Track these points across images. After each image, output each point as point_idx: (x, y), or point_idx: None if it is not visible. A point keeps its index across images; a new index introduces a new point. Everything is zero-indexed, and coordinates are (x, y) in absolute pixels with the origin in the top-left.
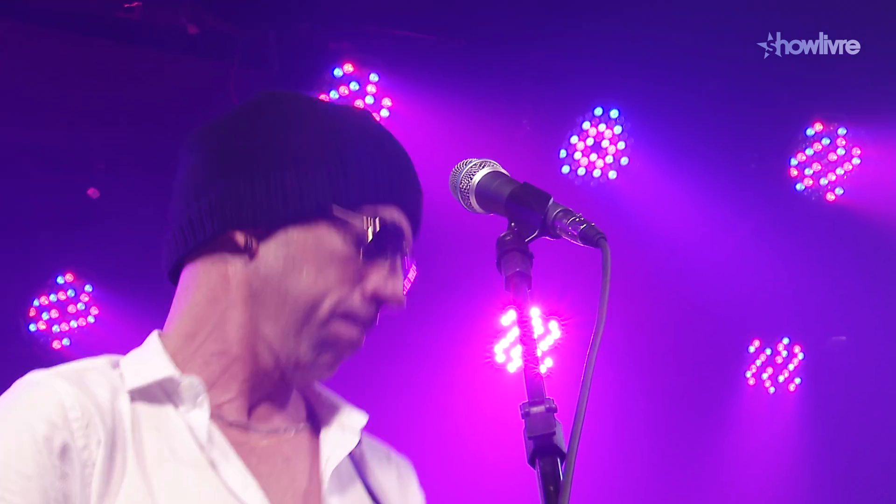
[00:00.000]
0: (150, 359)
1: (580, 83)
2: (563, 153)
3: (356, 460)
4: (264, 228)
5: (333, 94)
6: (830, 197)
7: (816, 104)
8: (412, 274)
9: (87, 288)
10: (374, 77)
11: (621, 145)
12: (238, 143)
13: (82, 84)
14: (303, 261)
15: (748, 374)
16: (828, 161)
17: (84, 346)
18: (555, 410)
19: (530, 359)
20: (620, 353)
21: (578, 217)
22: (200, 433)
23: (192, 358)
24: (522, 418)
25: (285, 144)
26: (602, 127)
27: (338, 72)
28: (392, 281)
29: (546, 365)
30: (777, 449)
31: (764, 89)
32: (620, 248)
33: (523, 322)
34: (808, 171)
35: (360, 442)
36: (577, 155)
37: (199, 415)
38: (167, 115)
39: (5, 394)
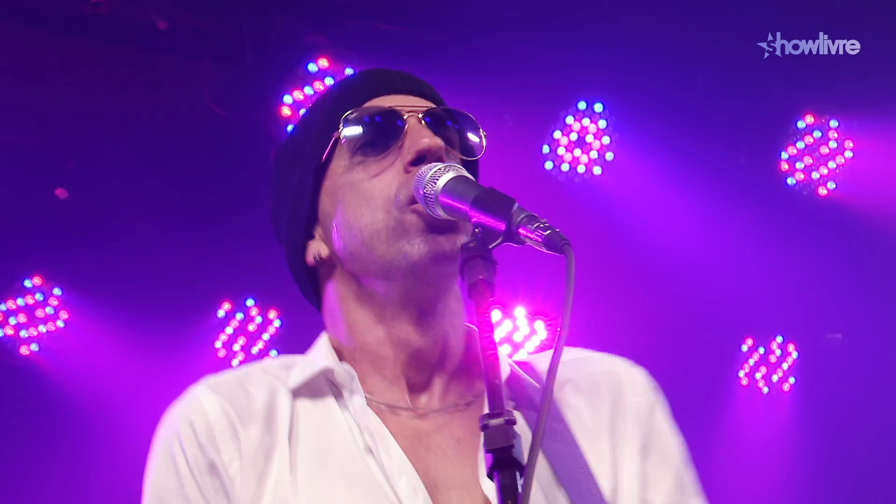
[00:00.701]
0: (317, 354)
1: (563, 76)
2: (546, 149)
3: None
4: (309, 229)
5: (308, 90)
6: (822, 191)
7: (807, 96)
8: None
9: (56, 291)
10: (348, 71)
11: (606, 140)
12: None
13: (48, 81)
14: (344, 214)
15: (741, 374)
16: (819, 154)
17: (53, 351)
18: (514, 422)
19: (491, 369)
20: (610, 352)
21: (543, 223)
22: (360, 419)
23: (351, 353)
24: (481, 430)
25: (276, 165)
26: (586, 121)
27: (312, 67)
28: (412, 141)
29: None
30: (771, 451)
31: (754, 81)
32: (606, 247)
33: (484, 332)
34: (799, 165)
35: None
36: (561, 150)
37: (357, 401)
38: (137, 113)
39: (168, 412)
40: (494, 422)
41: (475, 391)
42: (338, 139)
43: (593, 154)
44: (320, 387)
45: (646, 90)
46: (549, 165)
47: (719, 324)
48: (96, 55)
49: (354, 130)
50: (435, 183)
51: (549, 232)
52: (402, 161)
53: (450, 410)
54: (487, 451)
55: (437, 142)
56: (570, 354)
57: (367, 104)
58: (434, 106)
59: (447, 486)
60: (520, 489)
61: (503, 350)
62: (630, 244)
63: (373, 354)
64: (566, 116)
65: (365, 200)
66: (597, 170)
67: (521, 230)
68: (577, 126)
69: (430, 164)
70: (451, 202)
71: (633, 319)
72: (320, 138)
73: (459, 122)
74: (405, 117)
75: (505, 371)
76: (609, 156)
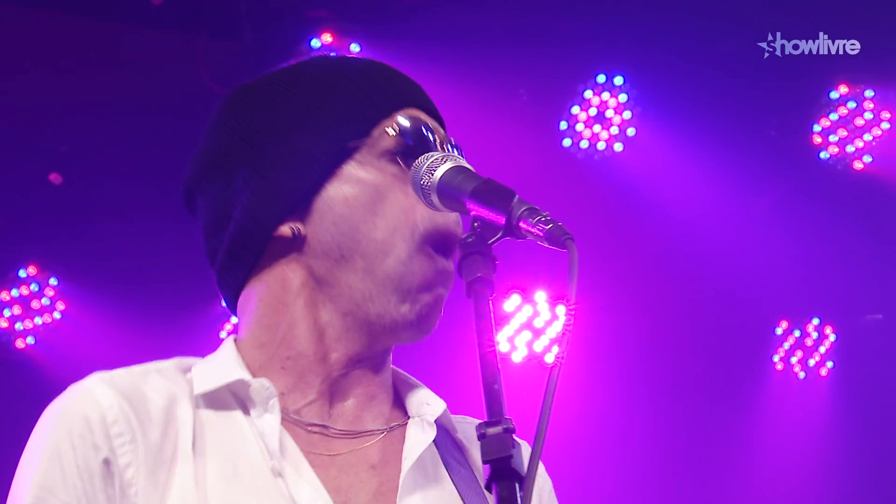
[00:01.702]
0: (223, 362)
1: (581, 48)
2: (563, 125)
3: (450, 452)
4: (300, 208)
5: None
6: (858, 165)
7: (841, 64)
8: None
9: (52, 281)
10: (355, 48)
11: (627, 115)
12: (231, 146)
13: (40, 61)
14: (353, 212)
15: (776, 359)
16: (854, 126)
17: (50, 344)
18: (513, 431)
19: (489, 373)
20: (636, 340)
21: (544, 216)
22: (271, 441)
23: (269, 364)
24: (479, 440)
25: (274, 119)
26: (606, 95)
27: (315, 42)
28: None
29: (553, 354)
30: (808, 439)
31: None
32: (629, 227)
33: (484, 333)
34: (832, 138)
35: (453, 431)
36: (580, 126)
37: (269, 420)
38: (133, 94)
39: (53, 403)
40: (492, 430)
41: (395, 420)
42: (380, 132)
43: (614, 130)
44: (224, 398)
45: (668, 61)
46: (567, 142)
47: (752, 306)
48: (87, 32)
49: (402, 133)
50: (432, 173)
51: (550, 226)
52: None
53: (368, 435)
54: (485, 462)
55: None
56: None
57: (406, 111)
58: (442, 128)
59: None
60: (519, 502)
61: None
62: (654, 224)
63: (303, 369)
64: (585, 90)
65: (382, 209)
66: (618, 146)
67: (521, 224)
68: (596, 100)
69: (426, 154)
70: (448, 193)
71: (660, 304)
72: (353, 119)
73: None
74: (438, 142)
75: (439, 405)
76: (630, 131)
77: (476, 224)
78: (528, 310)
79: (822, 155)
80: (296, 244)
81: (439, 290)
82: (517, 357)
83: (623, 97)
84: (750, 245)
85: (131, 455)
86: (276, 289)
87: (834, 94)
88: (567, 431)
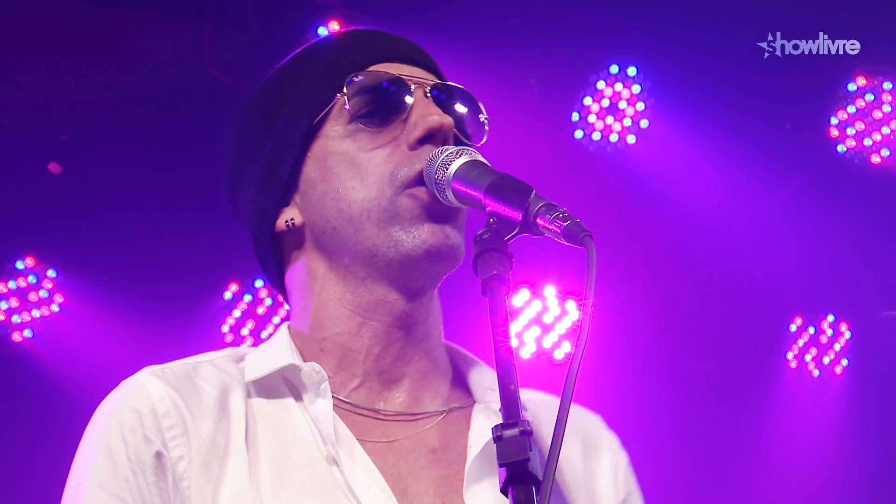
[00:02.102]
0: (276, 349)
1: (594, 36)
2: (575, 116)
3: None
4: (285, 195)
5: None
6: (876, 159)
7: (859, 55)
8: (460, 108)
9: (50, 273)
10: None
11: (640, 106)
12: (234, 159)
13: (41, 47)
14: (331, 185)
15: (789, 356)
16: (872, 119)
17: (48, 337)
18: (530, 433)
19: (505, 373)
20: (647, 335)
21: (562, 212)
22: (325, 426)
23: (309, 349)
24: (494, 442)
25: (257, 120)
26: (619, 86)
27: (322, 31)
28: (420, 117)
29: (563, 350)
30: (822, 439)
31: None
32: (641, 221)
33: (499, 332)
34: (850, 131)
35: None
36: (592, 118)
37: (322, 405)
38: (136, 81)
39: (105, 400)
40: (509, 432)
41: (456, 401)
42: (338, 101)
43: (627, 122)
44: (277, 385)
45: (683, 52)
46: (578, 134)
47: (765, 302)
48: (88, 18)
49: (358, 95)
50: (447, 168)
51: (568, 222)
52: (407, 137)
53: (426, 417)
54: (501, 465)
55: (448, 120)
56: (538, 395)
57: (372, 68)
58: (440, 81)
59: (420, 497)
60: None
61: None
62: (667, 218)
63: (342, 347)
64: (597, 81)
65: (358, 173)
66: (630, 138)
67: (538, 220)
68: (608, 91)
69: (441, 147)
70: (463, 189)
71: (673, 300)
72: (315, 96)
73: (465, 102)
74: (412, 89)
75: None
76: (644, 123)
77: (492, 220)
78: (536, 305)
79: (839, 148)
80: (299, 233)
81: (435, 229)
82: (525, 353)
83: (636, 88)
84: (764, 240)
85: (184, 448)
86: (300, 277)
87: (851, 87)
88: None
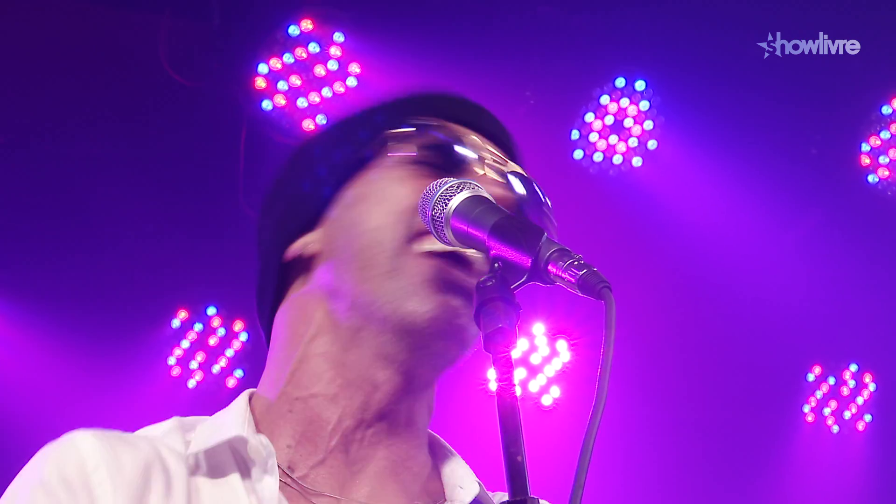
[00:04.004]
0: (227, 419)
1: (598, 45)
2: (575, 134)
3: None
4: (312, 219)
5: (287, 58)
6: None
7: (894, 75)
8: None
9: None
10: (338, 37)
11: (648, 125)
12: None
13: None
14: (356, 210)
15: (806, 409)
16: None
17: None
18: None
19: (511, 441)
20: (649, 382)
21: (577, 260)
22: None
23: (276, 406)
24: None
25: (317, 142)
26: (625, 102)
27: (294, 30)
28: (480, 180)
29: (552, 395)
30: (842, 501)
31: (829, 57)
32: (646, 254)
33: (505, 394)
34: (883, 160)
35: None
36: (594, 136)
37: (269, 484)
38: (80, 81)
39: (36, 456)
40: None
41: (424, 499)
42: (390, 138)
43: (633, 142)
44: (224, 460)
45: (698, 64)
46: (578, 154)
47: (781, 348)
48: (38, 9)
49: (420, 135)
50: (446, 203)
51: (584, 272)
52: None
53: None
54: None
55: (515, 196)
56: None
57: (441, 122)
58: (510, 162)
59: None
60: None
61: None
62: (675, 251)
63: (312, 413)
64: (601, 95)
65: (383, 199)
66: (636, 161)
67: (550, 267)
68: (613, 107)
69: (440, 180)
70: (465, 228)
71: (678, 343)
72: (378, 127)
73: (529, 190)
74: (478, 152)
75: (472, 489)
76: (652, 144)
77: (497, 265)
78: (523, 343)
79: (871, 178)
80: (308, 265)
81: (445, 297)
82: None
83: (644, 105)
84: (782, 278)
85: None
86: (293, 318)
87: (886, 109)
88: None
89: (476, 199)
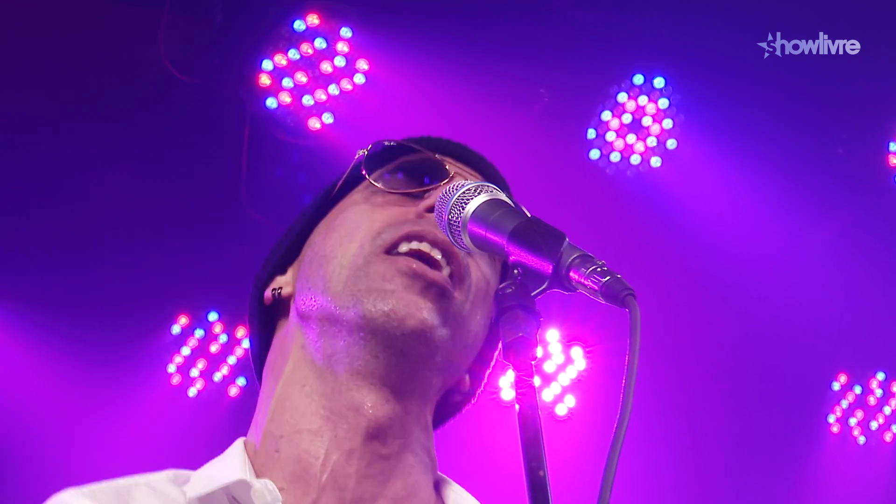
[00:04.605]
0: (225, 463)
1: (616, 41)
2: (591, 133)
3: None
4: (285, 261)
5: (293, 54)
6: None
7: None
8: None
9: None
10: (346, 32)
11: (668, 124)
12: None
13: None
14: (329, 238)
15: (831, 419)
16: None
17: None
18: None
19: (533, 456)
20: (670, 390)
21: (600, 266)
22: None
23: (263, 451)
24: None
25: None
26: (643, 99)
27: (299, 25)
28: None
29: (566, 405)
30: None
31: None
32: (665, 257)
33: (527, 407)
34: None
35: None
36: (611, 136)
37: None
38: (76, 77)
39: None
40: None
41: None
42: (360, 165)
43: (651, 141)
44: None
45: (718, 61)
46: (594, 154)
47: (805, 355)
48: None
49: (384, 155)
50: (462, 207)
51: (608, 278)
52: (421, 204)
53: None
54: None
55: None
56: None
57: (411, 154)
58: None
59: None
60: None
61: None
62: (695, 255)
63: (299, 451)
64: (618, 93)
65: (350, 231)
66: (655, 161)
67: (572, 274)
68: (631, 105)
69: (456, 183)
70: (483, 233)
71: (699, 350)
72: (342, 173)
73: None
74: (452, 173)
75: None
76: (671, 143)
77: (516, 271)
78: (537, 351)
79: None
80: (286, 307)
81: (405, 292)
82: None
83: (664, 102)
84: (807, 282)
85: None
86: (273, 359)
87: None
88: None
89: (494, 203)
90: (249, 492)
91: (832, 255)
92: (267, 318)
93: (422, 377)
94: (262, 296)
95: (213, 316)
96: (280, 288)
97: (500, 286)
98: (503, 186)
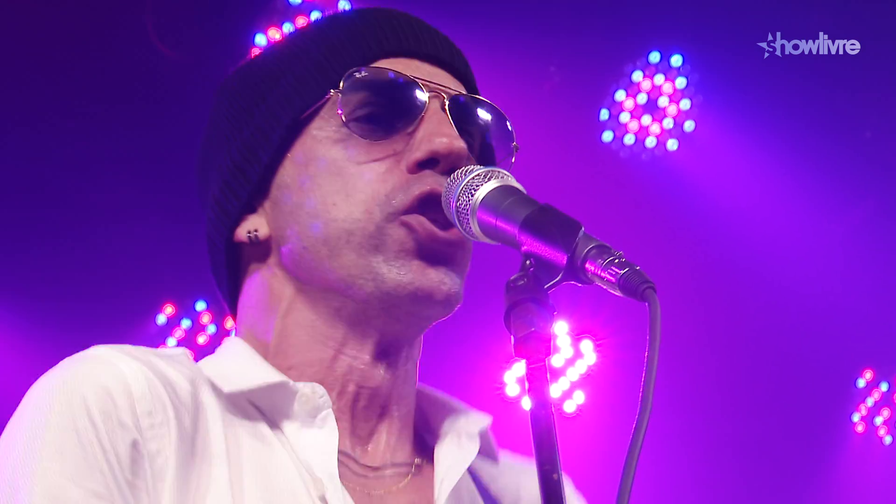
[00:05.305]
0: (245, 361)
1: (630, 17)
2: (604, 114)
3: (485, 485)
4: (252, 199)
5: (288, 28)
6: None
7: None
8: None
9: None
10: (343, 4)
11: (685, 104)
12: (204, 151)
13: None
14: (309, 196)
15: (855, 418)
16: None
17: None
18: None
19: (546, 457)
20: (687, 387)
21: (617, 257)
22: (324, 464)
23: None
24: None
25: (228, 97)
26: (659, 79)
27: None
28: (428, 135)
29: (575, 402)
30: None
31: (883, 27)
32: (682, 246)
33: (540, 404)
34: None
35: (489, 455)
36: (625, 117)
37: (321, 438)
38: (57, 54)
39: (54, 372)
40: None
41: (423, 452)
42: (331, 98)
43: (668, 123)
44: (243, 405)
45: (738, 38)
46: (608, 137)
47: (828, 350)
48: None
49: (358, 94)
50: (472, 193)
51: (626, 270)
52: (409, 157)
53: (399, 471)
54: None
55: (459, 146)
56: (512, 461)
57: (380, 63)
58: (463, 91)
59: None
60: None
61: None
62: (714, 243)
63: (312, 379)
64: (632, 71)
65: (344, 187)
66: (672, 143)
67: (588, 266)
68: (646, 85)
69: (465, 168)
70: (493, 221)
71: (718, 343)
72: (306, 86)
73: (493, 124)
74: (427, 98)
75: (482, 420)
76: (689, 125)
77: (528, 262)
78: None
79: None
80: (263, 246)
81: (429, 272)
82: (528, 403)
83: (681, 82)
84: (831, 273)
85: (163, 440)
86: (260, 296)
87: None
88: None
89: (505, 190)
90: (293, 397)
91: (857, 244)
92: (236, 255)
93: (428, 326)
94: (230, 232)
95: (200, 305)
96: (256, 230)
97: (512, 278)
98: (470, 80)
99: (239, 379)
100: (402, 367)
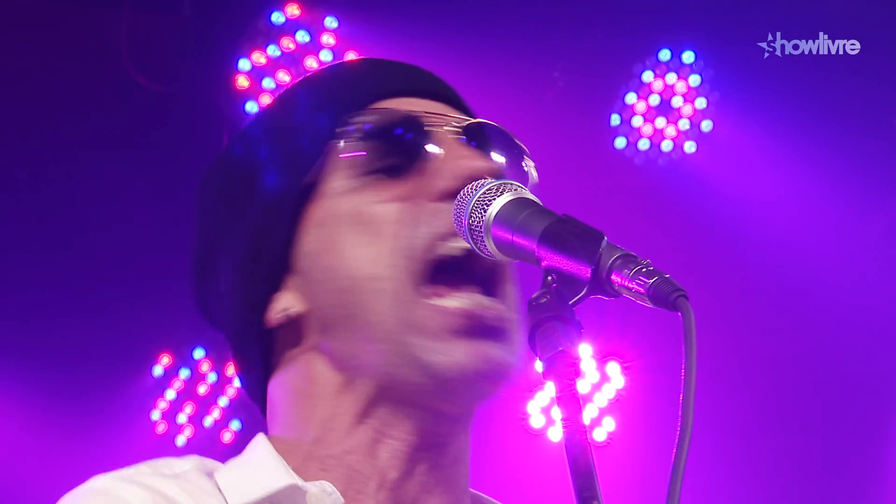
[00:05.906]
0: (261, 465)
1: (639, 14)
2: (615, 119)
3: None
4: (276, 278)
5: (273, 50)
6: None
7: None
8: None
9: None
10: (331, 22)
11: (701, 103)
12: (203, 237)
13: None
14: (336, 256)
15: None
16: None
17: None
18: None
19: (585, 487)
20: (720, 403)
21: (645, 266)
22: None
23: (314, 468)
24: None
25: (219, 182)
26: (672, 78)
27: (278, 17)
28: (453, 163)
29: (605, 429)
30: None
31: (882, 23)
32: (704, 254)
33: (573, 430)
34: None
35: None
36: (637, 120)
37: None
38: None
39: None
40: None
41: None
42: (337, 149)
43: (683, 124)
44: None
45: (755, 31)
46: (620, 143)
47: (870, 359)
48: None
49: (363, 139)
50: (484, 209)
51: (655, 279)
52: (433, 186)
53: None
54: None
55: (492, 164)
56: None
57: (378, 105)
58: (471, 119)
59: None
60: None
61: None
62: (741, 250)
63: (350, 469)
64: (643, 72)
65: (367, 232)
66: (689, 146)
67: (614, 277)
68: (658, 85)
69: (476, 182)
70: (509, 237)
71: (750, 359)
72: (306, 146)
73: (504, 146)
74: (434, 129)
75: None
76: (706, 125)
77: (550, 278)
78: None
79: None
80: (298, 326)
81: (478, 341)
82: (554, 435)
83: (695, 80)
84: (868, 275)
85: None
86: (295, 382)
87: None
88: None
89: (520, 202)
90: (304, 497)
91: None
92: (268, 343)
93: (486, 399)
94: (261, 319)
95: (199, 353)
96: (287, 308)
97: (534, 296)
98: (470, 113)
99: (250, 488)
100: (452, 449)
